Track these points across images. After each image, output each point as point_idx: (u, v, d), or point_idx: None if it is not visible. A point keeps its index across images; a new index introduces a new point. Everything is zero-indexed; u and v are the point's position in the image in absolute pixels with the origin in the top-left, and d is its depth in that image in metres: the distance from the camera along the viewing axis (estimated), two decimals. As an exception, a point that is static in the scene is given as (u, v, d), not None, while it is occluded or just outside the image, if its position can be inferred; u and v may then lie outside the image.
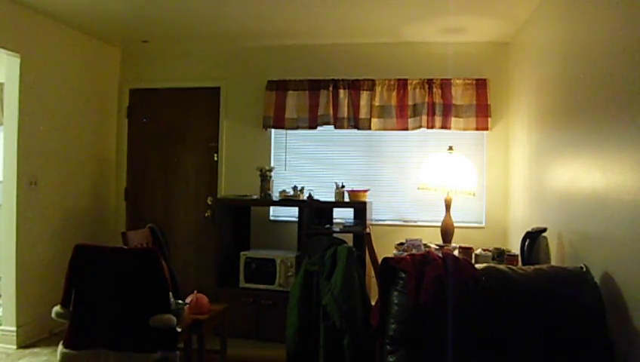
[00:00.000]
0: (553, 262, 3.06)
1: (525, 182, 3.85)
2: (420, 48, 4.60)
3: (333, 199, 4.34)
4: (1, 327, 3.94)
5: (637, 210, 2.01)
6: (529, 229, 3.23)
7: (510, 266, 2.41)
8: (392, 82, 4.53)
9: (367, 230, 3.97)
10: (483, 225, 4.52)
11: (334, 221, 4.40)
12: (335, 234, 3.92)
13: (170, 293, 2.78)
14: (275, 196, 4.42)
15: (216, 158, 4.95)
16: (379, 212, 4.63)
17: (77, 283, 2.64)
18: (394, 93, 4.52)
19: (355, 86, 4.59)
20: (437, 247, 3.79)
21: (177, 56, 5.06)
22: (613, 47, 2.28)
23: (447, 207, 4.16)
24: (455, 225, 4.15)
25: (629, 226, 2.09)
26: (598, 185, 2.40)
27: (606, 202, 2.31)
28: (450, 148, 4.25)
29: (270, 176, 4.40)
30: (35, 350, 3.88)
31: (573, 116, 2.81)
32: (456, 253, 3.42)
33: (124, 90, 5.15)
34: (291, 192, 4.34)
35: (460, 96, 4.44)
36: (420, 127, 4.47)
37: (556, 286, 2.24)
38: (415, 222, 4.60)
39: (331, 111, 4.58)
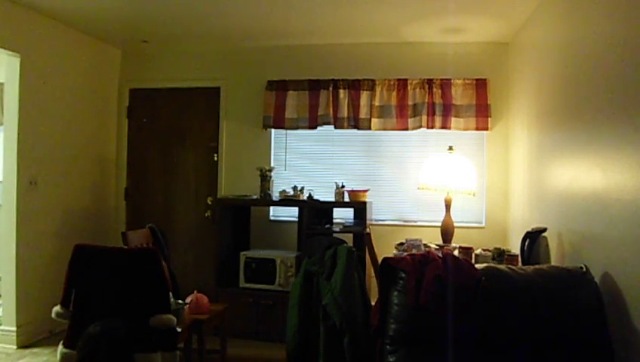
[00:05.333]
0: (553, 262, 3.06)
1: (525, 182, 3.85)
2: (420, 48, 4.60)
3: (333, 199, 4.33)
4: (1, 327, 3.93)
5: (637, 209, 2.01)
6: (529, 229, 3.23)
7: (510, 266, 2.41)
8: (392, 82, 4.53)
9: (367, 230, 3.97)
10: (483, 225, 4.52)
11: (334, 221, 4.40)
12: (335, 234, 3.92)
13: (170, 293, 2.78)
14: (275, 196, 4.41)
15: (216, 158, 4.95)
16: (379, 212, 4.63)
17: (77, 283, 2.65)
18: (394, 93, 4.52)
19: (355, 86, 4.58)
20: (437, 247, 3.79)
21: (177, 56, 5.06)
22: (613, 47, 2.28)
23: (447, 207, 4.16)
24: (455, 225, 4.15)
25: (629, 226, 2.09)
26: (598, 185, 2.40)
27: (606, 202, 2.31)
28: (450, 148, 4.25)
29: (270, 176, 4.40)
30: (35, 350, 3.87)
31: (573, 116, 2.81)
32: (456, 253, 3.41)
33: (124, 90, 5.15)
34: (291, 192, 4.33)
35: (459, 96, 4.44)
36: (420, 127, 4.47)
37: (556, 286, 2.24)
38: (415, 222, 4.60)
39: (331, 111, 4.58)
